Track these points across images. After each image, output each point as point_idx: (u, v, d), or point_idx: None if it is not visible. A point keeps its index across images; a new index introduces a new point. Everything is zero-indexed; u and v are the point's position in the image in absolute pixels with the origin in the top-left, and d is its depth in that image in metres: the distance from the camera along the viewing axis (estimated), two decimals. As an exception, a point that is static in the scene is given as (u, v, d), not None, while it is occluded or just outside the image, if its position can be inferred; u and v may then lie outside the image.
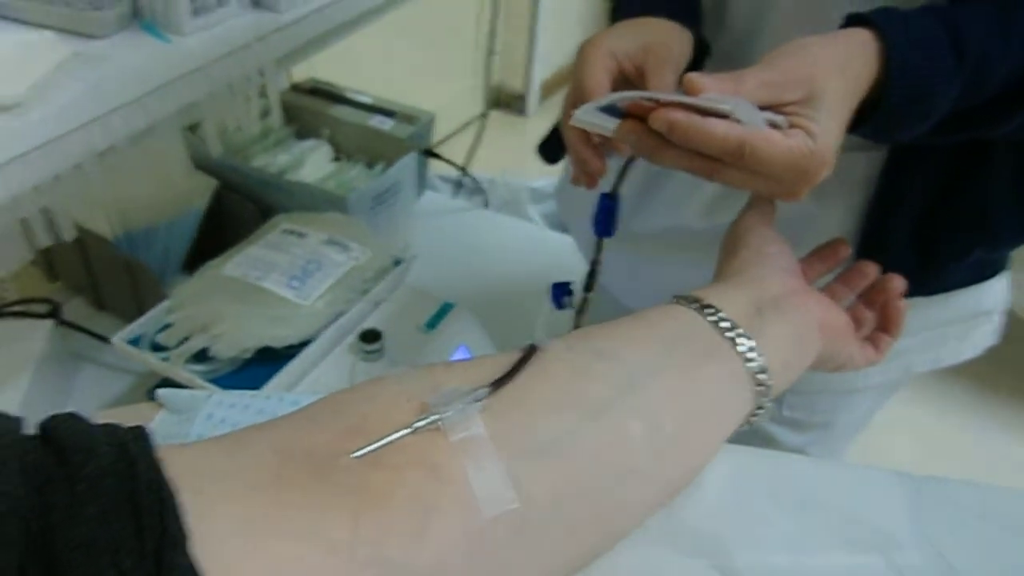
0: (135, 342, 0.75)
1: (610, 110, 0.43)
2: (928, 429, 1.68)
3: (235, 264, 0.81)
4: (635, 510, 0.38)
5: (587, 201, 0.79)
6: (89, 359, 0.90)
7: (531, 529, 0.32)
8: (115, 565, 0.23)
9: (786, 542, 0.41)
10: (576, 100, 0.49)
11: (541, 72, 2.49)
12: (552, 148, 0.81)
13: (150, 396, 0.79)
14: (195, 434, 0.41)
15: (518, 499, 0.31)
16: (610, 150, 0.51)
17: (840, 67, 0.41)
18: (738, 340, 0.40)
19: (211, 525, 0.27)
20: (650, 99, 0.40)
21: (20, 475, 0.24)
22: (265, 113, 1.03)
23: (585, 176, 0.52)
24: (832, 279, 0.52)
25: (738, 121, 0.38)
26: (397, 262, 0.89)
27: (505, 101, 2.51)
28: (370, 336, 0.79)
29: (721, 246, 0.49)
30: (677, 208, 0.69)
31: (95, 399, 0.87)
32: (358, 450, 0.31)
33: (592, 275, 0.51)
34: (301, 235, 0.86)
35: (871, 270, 0.51)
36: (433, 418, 0.32)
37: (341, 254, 0.85)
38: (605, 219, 0.49)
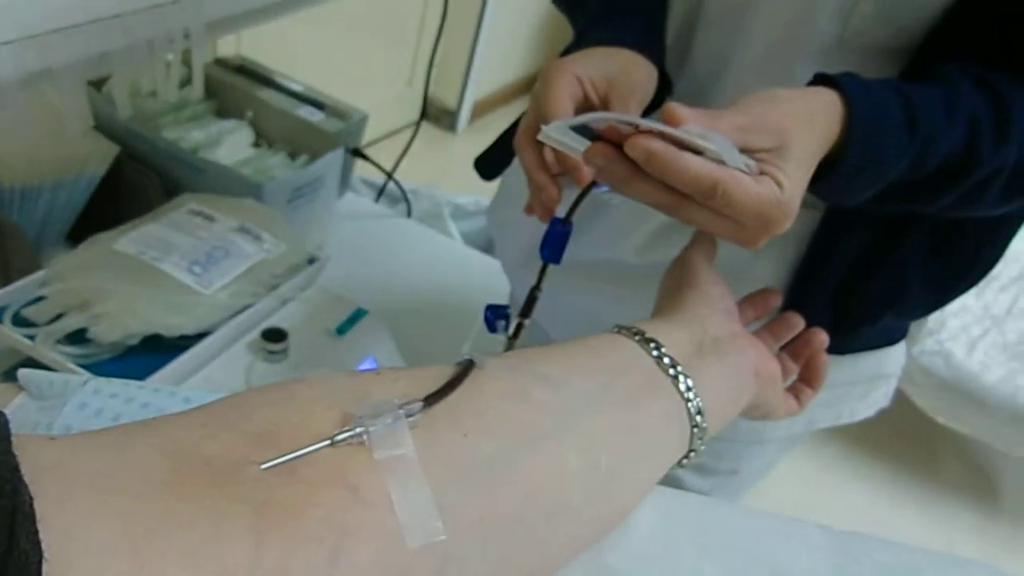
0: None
1: (580, 130, 0.40)
2: (802, 478, 1.73)
3: (130, 240, 0.73)
4: (563, 548, 0.35)
5: (520, 223, 0.77)
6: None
7: (454, 563, 0.28)
8: None
9: None
10: (536, 120, 0.47)
11: (475, 91, 2.47)
12: (490, 164, 0.78)
13: (8, 378, 0.69)
14: (61, 426, 0.34)
15: (444, 530, 0.27)
16: (566, 179, 0.49)
17: (809, 123, 0.41)
18: (679, 379, 0.39)
19: (78, 543, 0.21)
20: (628, 123, 0.38)
21: None
22: (185, 83, 0.95)
23: (539, 206, 0.50)
24: (759, 327, 0.52)
25: (718, 160, 0.37)
26: (311, 260, 0.83)
27: (435, 115, 2.47)
28: (274, 335, 0.73)
29: (662, 280, 0.49)
30: (614, 242, 0.68)
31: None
32: (267, 460, 0.26)
33: (531, 301, 0.48)
34: (210, 218, 0.79)
35: (797, 322, 0.52)
36: (358, 431, 0.28)
37: (252, 244, 0.78)
38: (554, 245, 0.47)
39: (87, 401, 0.35)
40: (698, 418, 0.39)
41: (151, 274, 0.70)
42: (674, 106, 0.37)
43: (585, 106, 0.48)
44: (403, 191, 1.28)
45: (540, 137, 0.42)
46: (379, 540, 0.26)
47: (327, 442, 0.27)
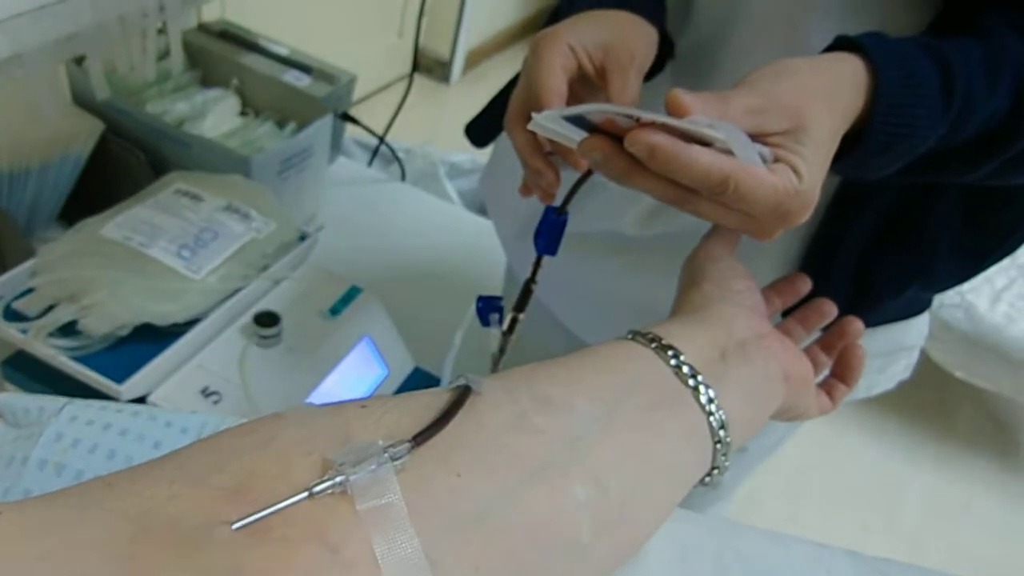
0: (-12, 307, 0.65)
1: (576, 120, 0.38)
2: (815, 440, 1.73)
3: (117, 225, 0.72)
4: None
5: (515, 195, 0.74)
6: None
7: None
8: None
9: None
10: (528, 99, 0.44)
11: (468, 40, 2.40)
12: (481, 131, 0.75)
13: (3, 367, 0.69)
14: (36, 459, 0.34)
15: None
16: (562, 163, 0.46)
17: (829, 99, 0.37)
18: (700, 390, 0.35)
19: None
20: (627, 116, 0.35)
21: None
22: (164, 55, 0.92)
23: (537, 190, 0.46)
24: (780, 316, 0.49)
25: (727, 151, 0.34)
26: (302, 237, 0.82)
27: (427, 66, 2.41)
28: (266, 319, 0.72)
29: (681, 275, 0.45)
30: (614, 214, 0.65)
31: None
32: (239, 519, 0.24)
33: (526, 295, 0.46)
34: (197, 198, 0.77)
35: (830, 310, 0.48)
36: (337, 479, 0.25)
37: (240, 224, 0.77)
38: (549, 236, 0.44)
39: (63, 431, 0.35)
40: (721, 432, 0.35)
41: (140, 261, 0.69)
42: (678, 93, 0.34)
43: (579, 78, 0.45)
44: (396, 155, 1.26)
45: (531, 126, 0.39)
46: None
47: (304, 494, 0.25)
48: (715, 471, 0.37)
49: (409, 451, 0.27)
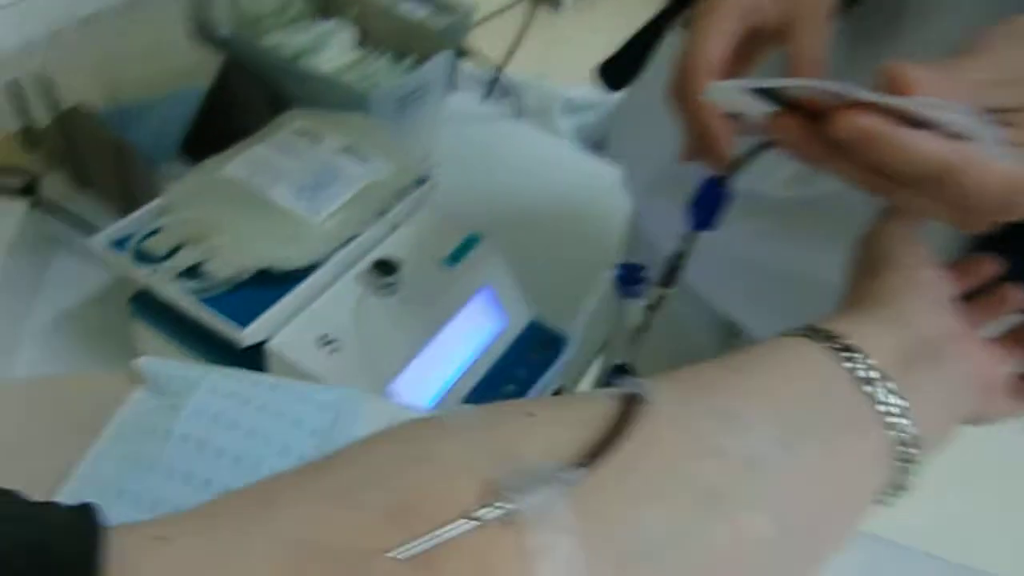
0: (118, 245, 0.66)
1: (762, 92, 0.33)
2: None
3: (239, 164, 0.71)
4: None
5: (652, 142, 0.69)
6: (67, 246, 0.81)
7: None
8: None
9: None
10: (691, 66, 0.38)
11: (583, -38, 2.28)
12: (618, 73, 0.70)
13: (132, 303, 0.71)
14: (179, 433, 0.33)
15: None
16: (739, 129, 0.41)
17: None
18: (887, 400, 0.31)
19: None
20: (833, 94, 0.30)
21: None
22: (285, -16, 0.89)
23: (710, 157, 0.41)
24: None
25: (953, 135, 0.28)
26: (421, 180, 0.79)
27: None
28: (385, 267, 0.70)
29: (853, 258, 0.40)
30: (755, 178, 0.60)
31: (69, 294, 0.78)
32: (402, 545, 0.22)
33: (674, 270, 0.42)
34: (316, 138, 0.75)
35: (1016, 297, 0.41)
36: (506, 508, 0.23)
37: (359, 166, 0.75)
38: (707, 209, 0.40)
39: (204, 405, 0.34)
40: (912, 451, 0.31)
41: (261, 204, 0.68)
42: (903, 67, 0.29)
43: (749, 35, 0.39)
44: (511, 88, 1.20)
45: (707, 95, 0.35)
46: None
47: (471, 523, 0.23)
48: (899, 490, 0.32)
49: (582, 476, 0.25)
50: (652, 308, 0.42)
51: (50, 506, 0.20)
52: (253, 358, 0.65)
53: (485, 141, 1.11)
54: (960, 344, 0.35)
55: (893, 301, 0.35)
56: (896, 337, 0.33)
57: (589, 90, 1.45)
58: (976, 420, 0.37)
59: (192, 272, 0.65)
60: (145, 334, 0.71)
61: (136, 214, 0.68)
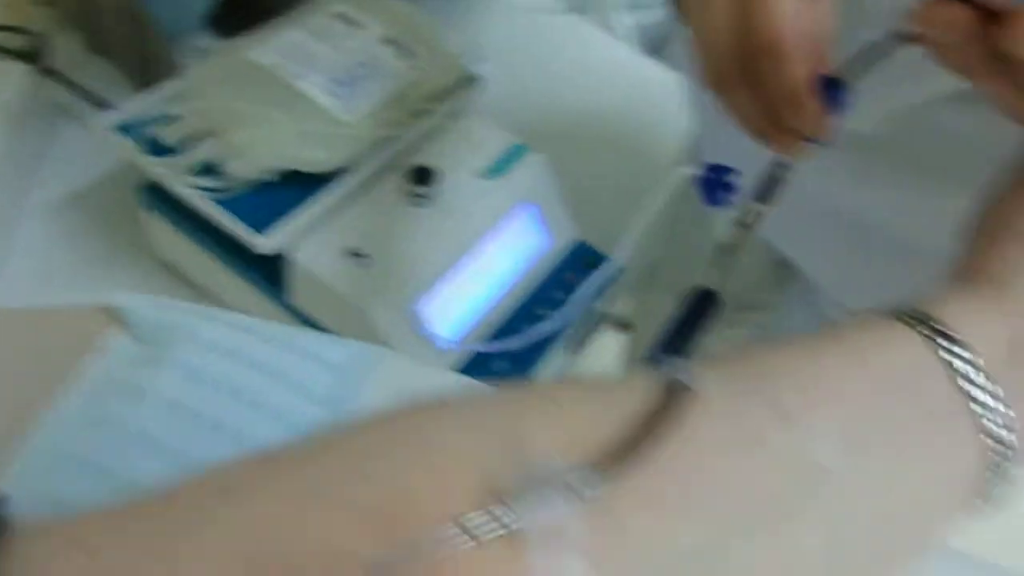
0: (128, 130, 0.59)
1: None
2: None
3: (269, 48, 0.63)
4: None
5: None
6: (77, 119, 0.74)
7: None
8: None
9: None
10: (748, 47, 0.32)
11: None
12: None
13: (139, 194, 0.65)
14: (155, 393, 0.27)
15: None
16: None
17: None
18: (983, 400, 0.26)
19: None
20: None
21: None
22: None
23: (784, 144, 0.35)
24: None
25: None
26: (467, 81, 0.71)
27: None
28: (422, 175, 0.64)
29: (969, 224, 0.34)
30: (856, 109, 0.52)
31: (76, 172, 0.71)
32: (377, 557, 0.18)
33: (774, 182, 0.36)
34: (356, 24, 0.67)
35: None
36: (508, 520, 0.19)
37: (401, 59, 0.67)
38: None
39: (189, 357, 0.28)
40: (1003, 457, 0.26)
41: (290, 94, 0.61)
42: None
43: None
44: (571, -20, 1.09)
45: None
46: None
47: (461, 535, 0.19)
48: (987, 502, 0.28)
49: (600, 483, 0.20)
50: (745, 227, 0.36)
51: None
52: (273, 267, 0.60)
53: (535, 38, 1.00)
54: None
55: (1010, 279, 0.30)
56: (1004, 323, 0.28)
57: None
58: None
59: (208, 169, 0.59)
60: (156, 227, 0.65)
61: (149, 96, 0.61)
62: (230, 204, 0.58)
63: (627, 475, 0.21)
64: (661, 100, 0.96)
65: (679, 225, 0.87)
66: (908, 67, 0.49)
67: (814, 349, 0.27)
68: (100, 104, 0.70)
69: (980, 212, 0.34)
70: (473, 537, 0.19)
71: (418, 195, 0.64)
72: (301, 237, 0.59)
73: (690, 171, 0.41)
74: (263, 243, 0.57)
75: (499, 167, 0.69)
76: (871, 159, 0.55)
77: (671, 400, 0.23)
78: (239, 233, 0.57)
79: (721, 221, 0.39)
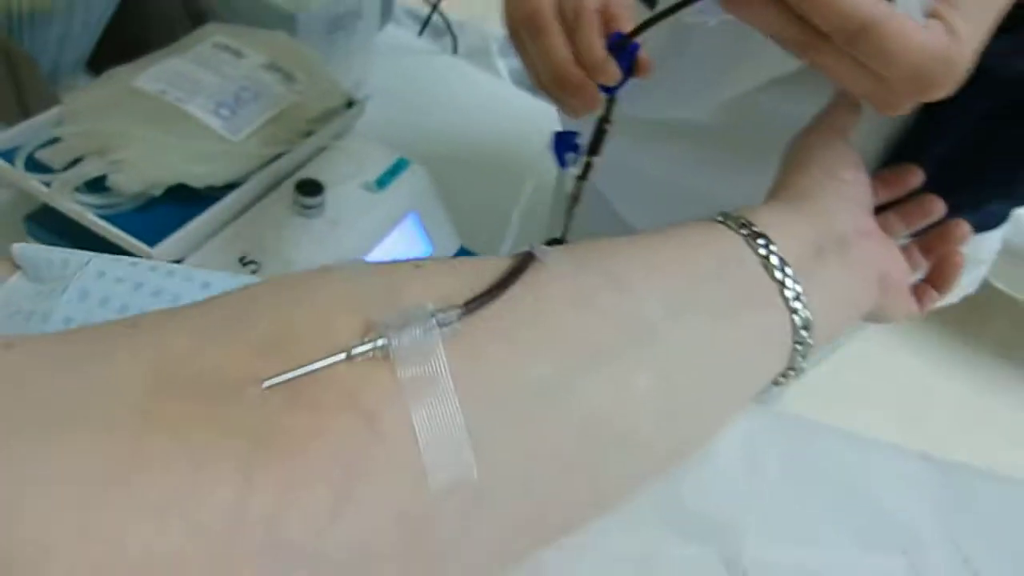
0: (8, 156, 0.60)
1: None
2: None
3: (151, 76, 0.66)
4: (625, 483, 0.30)
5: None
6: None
7: (488, 506, 0.24)
8: None
9: (802, 535, 0.35)
10: None
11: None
12: None
13: (27, 222, 0.65)
14: (59, 318, 0.30)
15: (476, 466, 0.23)
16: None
17: None
18: (787, 284, 0.32)
19: (25, 487, 0.17)
20: None
21: None
22: None
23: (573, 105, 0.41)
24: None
25: None
26: (349, 104, 0.75)
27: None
28: (310, 187, 0.67)
29: (785, 155, 0.40)
30: (691, 99, 0.59)
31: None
32: (270, 377, 0.21)
33: (600, 135, 0.42)
34: (237, 53, 0.71)
35: (937, 208, 0.44)
36: (379, 343, 0.22)
37: (283, 84, 0.71)
38: (622, 63, 0.39)
39: (89, 288, 0.31)
40: (803, 333, 0.32)
41: (175, 116, 0.64)
42: None
43: None
44: (448, 24, 1.17)
45: None
46: (397, 479, 0.22)
47: (341, 356, 0.22)
48: (791, 372, 0.34)
49: (459, 318, 0.24)
50: (582, 177, 0.42)
51: None
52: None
53: (420, 74, 1.07)
54: (869, 242, 0.37)
55: (813, 196, 0.37)
56: (810, 228, 0.35)
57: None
58: (876, 318, 0.39)
59: (95, 186, 0.60)
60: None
61: (29, 121, 0.62)
62: (119, 219, 0.59)
63: (482, 316, 0.25)
64: (535, 126, 1.03)
65: (555, 219, 0.93)
66: (732, 58, 0.56)
67: (649, 239, 0.32)
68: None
69: (791, 148, 0.41)
70: (352, 359, 0.22)
71: (306, 206, 0.67)
72: (193, 248, 0.61)
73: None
74: (154, 255, 0.58)
75: (383, 180, 0.73)
76: (708, 144, 0.62)
77: (521, 265, 0.27)
78: (129, 246, 0.59)
79: (569, 179, 0.44)
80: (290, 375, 0.21)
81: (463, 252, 0.78)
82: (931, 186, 0.52)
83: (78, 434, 0.18)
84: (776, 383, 0.34)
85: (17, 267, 0.33)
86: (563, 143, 0.44)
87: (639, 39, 0.40)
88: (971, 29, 0.30)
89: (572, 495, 0.27)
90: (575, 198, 0.42)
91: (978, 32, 0.31)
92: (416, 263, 0.27)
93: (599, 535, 0.31)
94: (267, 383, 0.21)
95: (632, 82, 0.47)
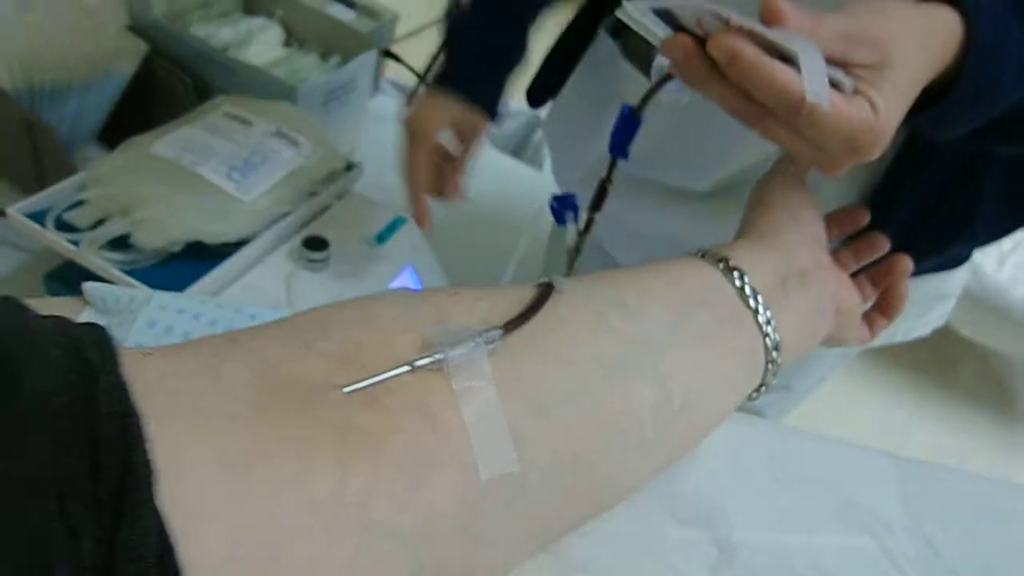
0: (38, 217, 0.65)
1: (665, 15, 0.37)
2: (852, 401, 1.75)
3: (167, 143, 0.71)
4: (633, 478, 0.35)
5: (579, 141, 0.75)
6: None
7: (527, 495, 0.28)
8: (61, 512, 0.17)
9: (783, 519, 0.40)
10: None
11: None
12: (539, 93, 0.76)
13: (46, 280, 0.69)
14: (132, 343, 0.34)
15: (518, 461, 0.27)
16: (636, 67, 0.46)
17: (921, 43, 0.36)
18: (759, 311, 0.37)
19: (182, 464, 0.21)
20: (717, 17, 0.34)
21: None
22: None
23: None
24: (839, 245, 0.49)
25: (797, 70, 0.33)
26: (348, 167, 0.81)
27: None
28: (315, 243, 0.72)
29: (750, 199, 0.46)
30: (687, 176, 0.65)
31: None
32: (349, 384, 0.26)
33: (601, 194, 0.47)
34: (246, 122, 0.76)
35: (882, 244, 0.49)
36: (437, 357, 0.27)
37: (289, 149, 0.76)
38: (622, 139, 0.45)
39: (155, 318, 0.35)
40: (774, 353, 0.38)
41: (191, 179, 0.69)
42: (776, 2, 0.33)
43: None
44: (434, 95, 1.24)
45: (618, 13, 0.38)
46: (456, 470, 0.26)
47: (407, 367, 0.27)
48: (762, 387, 0.39)
49: (501, 337, 0.29)
50: (583, 232, 0.47)
51: (69, 322, 0.22)
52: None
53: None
54: (825, 274, 0.42)
55: (776, 234, 0.42)
56: (775, 263, 0.40)
57: (507, 102, 1.51)
58: (833, 342, 0.45)
59: (119, 244, 0.65)
60: (66, 311, 0.70)
61: (55, 187, 0.67)
62: (140, 274, 0.64)
63: (515, 336, 0.30)
64: (520, 186, 1.09)
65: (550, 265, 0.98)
66: (736, 138, 0.61)
67: (644, 271, 0.38)
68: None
69: (755, 191, 0.46)
70: (414, 370, 0.27)
71: (312, 260, 0.72)
72: (208, 300, 0.66)
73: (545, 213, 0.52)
74: (173, 305, 0.63)
75: (383, 236, 0.78)
76: (700, 200, 0.67)
77: (543, 293, 0.32)
78: (150, 297, 0.63)
79: (569, 234, 0.49)
80: (366, 382, 0.26)
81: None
82: (898, 237, 0.54)
83: (214, 421, 0.22)
84: (750, 398, 0.39)
85: (85, 304, 0.37)
86: (562, 204, 0.49)
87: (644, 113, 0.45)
88: (889, 104, 0.35)
89: (593, 488, 0.32)
90: (578, 250, 0.48)
91: (896, 107, 0.36)
92: (454, 290, 0.32)
93: (607, 520, 0.35)
94: (347, 389, 0.25)
95: (644, 150, 0.52)
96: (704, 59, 0.36)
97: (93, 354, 0.21)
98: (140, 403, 0.21)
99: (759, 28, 0.34)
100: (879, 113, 0.35)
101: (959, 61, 0.38)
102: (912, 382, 1.88)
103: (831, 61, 0.35)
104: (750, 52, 0.33)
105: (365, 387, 0.26)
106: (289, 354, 0.26)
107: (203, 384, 0.23)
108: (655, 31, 0.37)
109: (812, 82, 0.33)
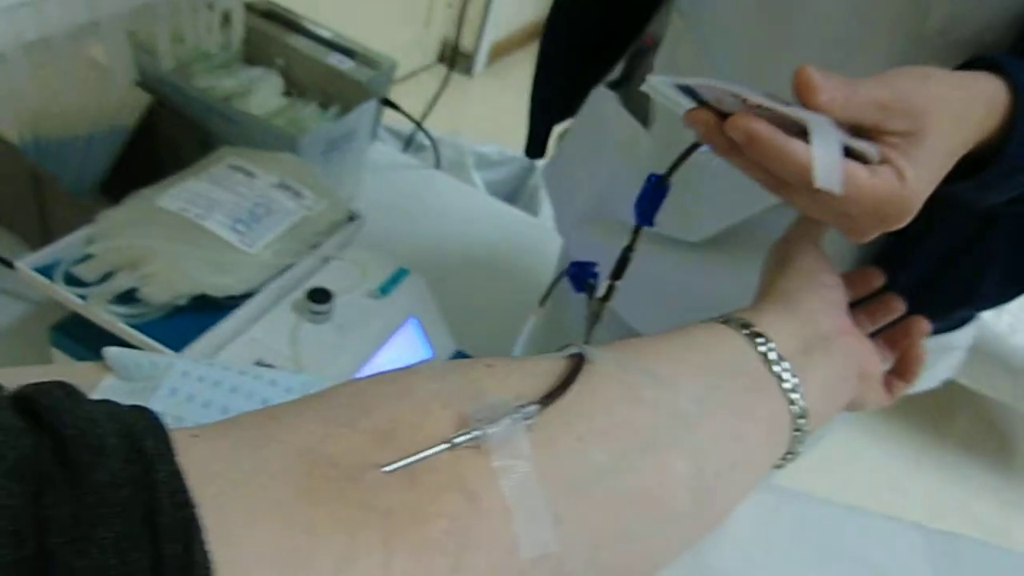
0: (47, 271, 0.65)
1: (688, 91, 0.38)
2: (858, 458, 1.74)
3: (173, 196, 0.72)
4: (666, 553, 0.34)
5: (579, 184, 0.76)
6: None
7: (568, 573, 0.28)
8: None
9: None
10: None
11: (493, 33, 2.40)
12: (538, 146, 0.77)
13: (53, 333, 0.69)
14: (155, 409, 0.34)
15: (559, 541, 0.27)
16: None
17: (959, 114, 0.36)
18: (784, 378, 0.37)
19: (236, 552, 0.21)
20: (734, 95, 0.35)
21: (12, 473, 0.18)
22: (222, 29, 0.92)
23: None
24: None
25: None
26: (352, 217, 0.82)
27: (450, 57, 2.41)
28: (319, 295, 0.72)
29: (767, 260, 0.46)
30: (696, 228, 0.65)
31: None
32: (389, 463, 0.26)
33: (624, 262, 0.47)
34: (250, 174, 0.77)
35: (898, 306, 0.49)
36: (475, 434, 0.27)
37: (292, 201, 0.77)
38: (648, 206, 0.44)
39: (177, 386, 0.35)
40: (801, 421, 0.37)
41: (196, 232, 0.69)
42: (809, 72, 0.33)
43: None
44: (433, 141, 1.26)
45: (644, 88, 0.39)
46: (497, 550, 0.26)
47: (447, 445, 0.27)
48: (789, 455, 0.39)
49: (538, 412, 0.29)
50: (604, 299, 0.47)
51: (119, 407, 0.22)
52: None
53: (408, 187, 1.15)
54: (848, 339, 0.42)
55: (797, 298, 0.42)
56: (797, 328, 0.40)
57: (499, 147, 1.53)
58: (855, 407, 0.44)
59: (125, 298, 0.65)
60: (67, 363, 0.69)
61: (63, 240, 0.67)
62: (147, 328, 0.64)
63: (551, 410, 0.29)
64: (516, 234, 1.11)
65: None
66: (735, 192, 0.62)
67: (671, 340, 0.37)
68: (6, 265, 0.74)
69: (773, 253, 0.46)
70: (454, 448, 0.27)
71: (316, 312, 0.72)
72: (214, 353, 0.66)
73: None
74: (178, 360, 0.63)
75: (386, 287, 0.79)
76: (710, 252, 0.68)
77: (576, 365, 0.32)
78: (157, 352, 0.63)
79: (589, 301, 0.49)
80: (406, 461, 0.26)
81: (459, 355, 0.83)
82: (907, 299, 0.54)
83: (263, 507, 0.22)
84: (777, 467, 0.39)
85: (106, 369, 0.37)
86: (581, 272, 0.49)
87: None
88: (919, 173, 0.35)
89: (630, 562, 0.32)
90: (597, 316, 0.47)
91: (927, 177, 0.35)
92: (487, 363, 0.32)
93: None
94: (387, 468, 0.25)
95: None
96: (725, 135, 0.36)
97: (151, 444, 0.21)
98: (194, 491, 0.21)
99: (776, 105, 0.34)
100: (907, 182, 0.35)
101: (1005, 130, 0.37)
102: (910, 431, 1.87)
103: (864, 129, 0.35)
104: (766, 133, 0.34)
105: (404, 466, 0.26)
106: (330, 432, 0.26)
107: (249, 467, 0.24)
108: (681, 102, 0.38)
109: (822, 168, 0.34)
